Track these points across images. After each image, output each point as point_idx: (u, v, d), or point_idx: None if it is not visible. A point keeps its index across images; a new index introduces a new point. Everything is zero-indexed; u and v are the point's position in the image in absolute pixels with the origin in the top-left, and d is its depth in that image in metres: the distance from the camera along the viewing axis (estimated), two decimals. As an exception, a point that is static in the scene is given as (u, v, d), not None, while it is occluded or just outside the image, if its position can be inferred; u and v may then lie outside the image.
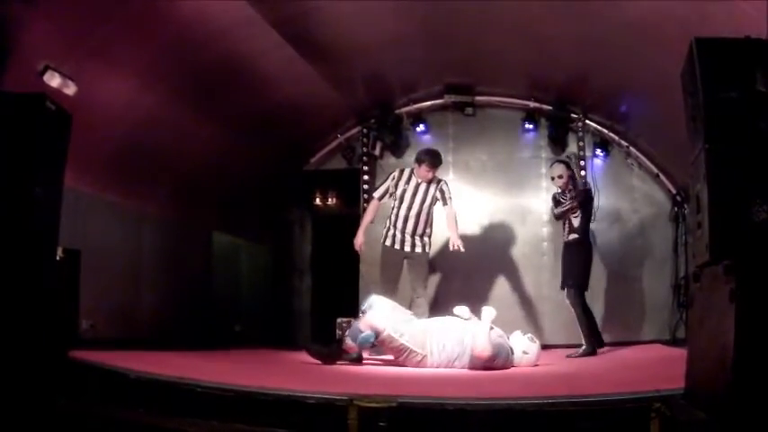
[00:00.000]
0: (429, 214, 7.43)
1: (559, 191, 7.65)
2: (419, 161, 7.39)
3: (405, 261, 7.45)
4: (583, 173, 9.34)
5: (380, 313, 5.96)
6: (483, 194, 9.69)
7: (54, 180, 4.43)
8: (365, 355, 6.51)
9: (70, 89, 5.58)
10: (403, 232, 7.37)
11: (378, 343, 5.89)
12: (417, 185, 7.39)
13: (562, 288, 7.52)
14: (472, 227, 9.46)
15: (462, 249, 7.22)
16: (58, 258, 4.78)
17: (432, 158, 7.39)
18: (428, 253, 7.53)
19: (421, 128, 9.78)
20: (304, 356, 6.19)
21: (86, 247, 6.02)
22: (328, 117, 9.65)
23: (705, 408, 2.80)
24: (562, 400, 3.28)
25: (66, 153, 4.53)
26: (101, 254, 6.50)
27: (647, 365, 6.03)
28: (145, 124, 6.90)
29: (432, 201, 7.41)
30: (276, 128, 8.81)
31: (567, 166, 7.76)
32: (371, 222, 7.65)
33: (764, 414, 2.53)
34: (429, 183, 7.41)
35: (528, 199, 9.68)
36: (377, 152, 9.80)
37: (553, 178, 7.69)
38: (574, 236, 7.50)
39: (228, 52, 6.93)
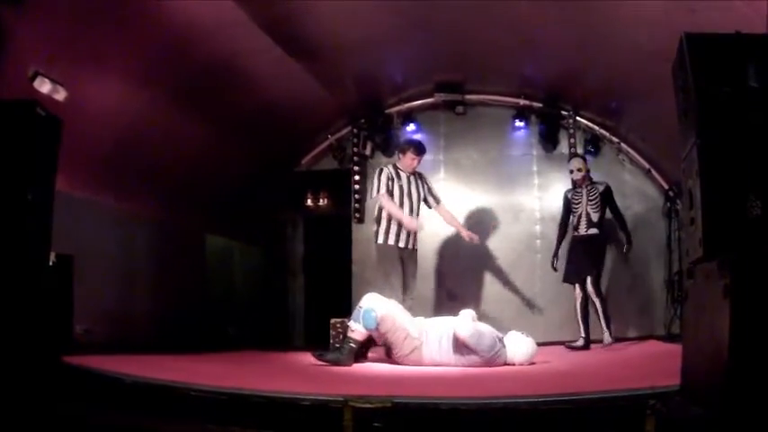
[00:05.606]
0: (420, 209, 7.40)
1: (571, 188, 8.00)
2: (403, 151, 7.34)
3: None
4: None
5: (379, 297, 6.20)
6: (475, 193, 9.68)
7: (46, 185, 4.40)
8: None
9: (60, 94, 5.56)
10: (405, 229, 7.14)
11: (379, 321, 5.97)
12: (408, 180, 7.28)
13: (572, 282, 7.79)
14: (464, 225, 9.48)
15: (477, 241, 7.61)
16: (51, 263, 4.76)
17: (417, 146, 7.36)
18: (417, 249, 7.37)
19: (411, 127, 9.75)
20: (297, 357, 6.18)
21: (79, 251, 5.99)
22: (319, 117, 9.64)
23: (701, 404, 2.80)
24: (556, 399, 3.28)
25: (58, 158, 4.51)
26: (93, 258, 6.47)
27: (642, 362, 6.04)
28: (135, 127, 6.87)
29: (422, 196, 7.38)
30: (267, 129, 8.79)
31: (585, 160, 8.08)
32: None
33: (760, 409, 2.54)
34: (415, 175, 7.36)
35: (520, 196, 9.67)
36: (367, 152, 9.78)
37: (572, 171, 7.95)
38: (594, 230, 7.77)
39: (218, 54, 6.91)
